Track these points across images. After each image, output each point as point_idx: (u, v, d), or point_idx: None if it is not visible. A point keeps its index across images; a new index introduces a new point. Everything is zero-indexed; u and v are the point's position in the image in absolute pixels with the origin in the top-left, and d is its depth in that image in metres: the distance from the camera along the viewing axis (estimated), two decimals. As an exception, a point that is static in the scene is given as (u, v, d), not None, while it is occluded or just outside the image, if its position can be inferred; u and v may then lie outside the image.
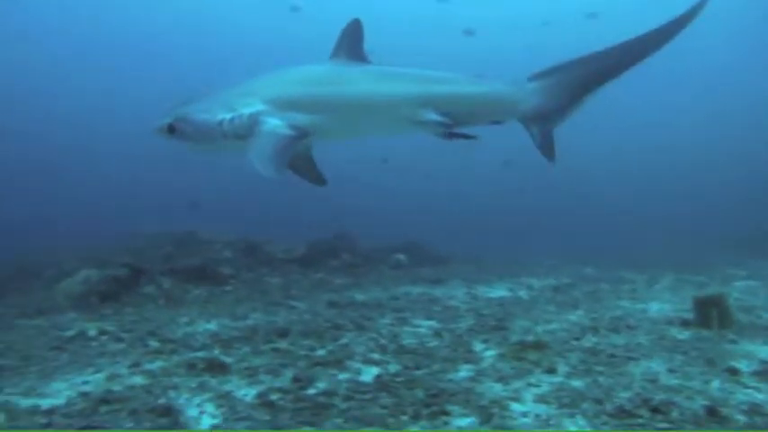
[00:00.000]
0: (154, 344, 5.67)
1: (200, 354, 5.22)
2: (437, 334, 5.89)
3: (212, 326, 6.48)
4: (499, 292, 8.69)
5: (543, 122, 6.37)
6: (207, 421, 3.71)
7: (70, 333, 6.23)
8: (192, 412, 3.83)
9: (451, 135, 6.42)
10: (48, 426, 3.65)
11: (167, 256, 11.18)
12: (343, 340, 5.65)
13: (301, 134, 6.05)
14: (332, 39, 6.57)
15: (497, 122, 6.50)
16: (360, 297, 8.11)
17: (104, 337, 6.05)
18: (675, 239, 17.96)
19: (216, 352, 5.27)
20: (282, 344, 5.49)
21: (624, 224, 23.21)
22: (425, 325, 6.35)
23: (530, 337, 5.54)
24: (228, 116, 6.04)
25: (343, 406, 3.87)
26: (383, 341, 5.59)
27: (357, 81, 6.42)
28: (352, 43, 6.59)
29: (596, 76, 6.10)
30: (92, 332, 6.18)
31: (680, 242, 17.35)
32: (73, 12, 40.72)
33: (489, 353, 5.14)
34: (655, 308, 7.16)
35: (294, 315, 6.95)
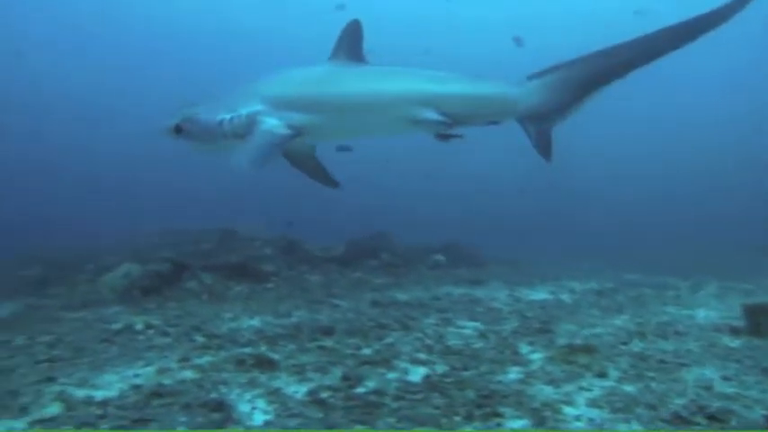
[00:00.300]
0: (200, 339, 5.72)
1: (246, 350, 5.25)
2: (482, 335, 5.85)
3: (256, 322, 6.51)
4: (541, 294, 8.62)
5: (540, 122, 6.32)
6: (259, 417, 3.72)
7: (117, 326, 6.29)
8: (244, 408, 3.84)
9: (442, 135, 6.50)
10: (102, 417, 3.68)
11: (208, 253, 11.27)
12: (389, 340, 5.64)
13: (296, 133, 6.26)
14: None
15: (494, 123, 6.48)
16: (402, 297, 8.10)
17: (151, 331, 6.10)
18: (713, 245, 17.68)
19: (262, 348, 5.30)
20: (328, 342, 5.50)
21: (654, 228, 22.98)
22: (470, 326, 6.32)
23: (577, 341, 5.49)
24: (228, 116, 6.35)
25: (395, 405, 3.85)
26: (429, 341, 5.57)
27: (354, 80, 6.54)
28: (351, 44, 6.70)
29: (598, 76, 5.97)
30: (138, 326, 6.24)
31: (717, 248, 17.07)
32: (77, 12, 41.10)
33: (536, 355, 5.09)
34: (702, 314, 7.05)
35: (338, 314, 6.95)
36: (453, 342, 5.57)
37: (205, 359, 4.95)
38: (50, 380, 4.49)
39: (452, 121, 6.27)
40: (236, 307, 7.48)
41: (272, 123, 6.25)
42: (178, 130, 6.52)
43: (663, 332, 5.95)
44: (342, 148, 10.76)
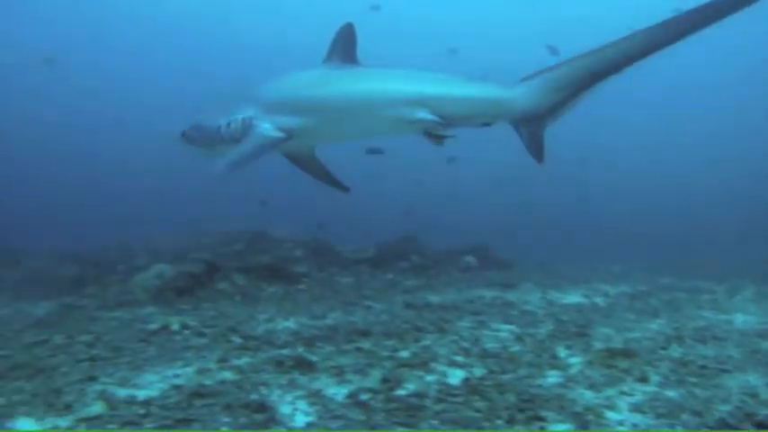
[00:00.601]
0: (237, 340, 5.74)
1: (284, 351, 5.27)
2: (518, 338, 5.82)
3: (291, 324, 6.53)
4: (574, 297, 8.56)
5: (533, 124, 6.32)
6: (301, 419, 3.72)
7: (154, 326, 6.34)
8: (286, 409, 3.85)
9: (434, 136, 6.50)
10: (146, 416, 3.71)
11: (239, 254, 11.32)
12: (425, 342, 5.62)
13: (288, 136, 6.47)
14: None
15: (487, 125, 6.47)
16: (434, 299, 8.09)
17: (187, 332, 6.15)
18: (745, 249, 17.46)
19: (300, 350, 5.31)
20: (365, 344, 5.49)
21: (684, 231, 22.77)
22: (505, 329, 6.29)
23: (615, 345, 5.44)
24: (225, 122, 6.69)
25: (436, 408, 3.84)
26: (465, 344, 5.55)
27: (345, 82, 6.61)
28: (345, 47, 6.80)
29: (586, 77, 5.94)
30: (175, 326, 6.28)
31: (750, 252, 16.85)
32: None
33: (575, 359, 5.05)
34: (740, 319, 6.96)
35: (372, 316, 6.96)
36: (490, 345, 5.55)
37: (244, 360, 4.97)
38: (92, 379, 4.53)
39: (446, 121, 6.30)
40: (269, 308, 7.52)
41: (264, 127, 6.48)
42: (185, 136, 6.97)
43: (701, 337, 5.88)
44: (372, 151, 10.76)
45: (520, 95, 6.23)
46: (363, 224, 17.94)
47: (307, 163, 7.45)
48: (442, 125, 6.32)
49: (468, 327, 6.36)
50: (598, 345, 5.49)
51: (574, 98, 6.08)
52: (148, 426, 3.58)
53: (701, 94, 42.49)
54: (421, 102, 6.29)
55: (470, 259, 12.28)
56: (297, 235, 13.07)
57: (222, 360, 4.95)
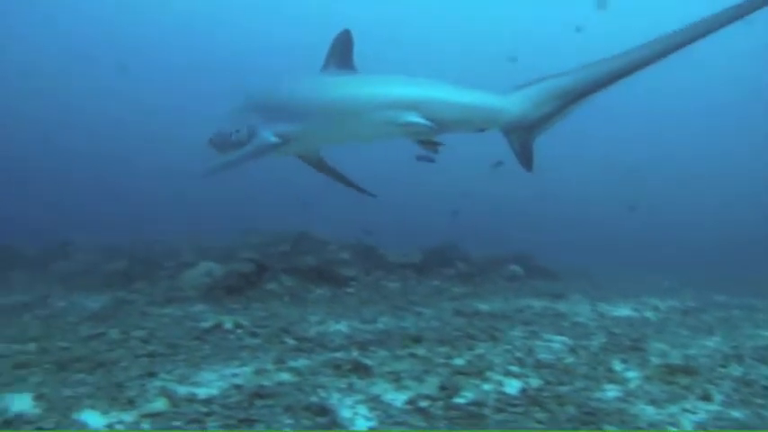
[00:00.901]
0: (290, 341, 5.77)
1: (338, 354, 5.28)
2: (572, 350, 5.75)
3: (342, 327, 6.54)
4: (624, 310, 8.45)
5: (523, 133, 6.45)
6: (362, 423, 3.72)
7: (207, 325, 6.39)
8: (346, 413, 3.85)
9: (424, 142, 6.84)
10: (209, 415, 3.74)
11: (285, 255, 11.36)
12: (479, 350, 5.59)
13: (284, 141, 6.98)
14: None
15: (481, 131, 6.64)
16: (483, 307, 8.04)
17: (240, 331, 6.19)
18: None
19: (354, 354, 5.31)
20: (419, 350, 5.47)
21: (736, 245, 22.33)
22: (557, 340, 6.22)
23: (673, 361, 5.35)
24: (235, 129, 7.32)
25: (498, 417, 3.82)
26: (519, 354, 5.50)
27: (340, 88, 6.99)
28: (342, 54, 7.21)
29: (580, 89, 6.04)
30: (228, 325, 6.33)
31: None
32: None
33: (632, 374, 4.98)
34: (801, 340, 6.81)
35: (422, 321, 6.94)
36: (543, 356, 5.49)
37: (301, 362, 4.98)
38: (151, 375, 4.58)
39: (437, 126, 6.48)
40: (319, 310, 7.54)
41: (264, 135, 7.01)
42: (211, 143, 7.63)
43: (762, 357, 5.73)
44: (422, 158, 10.80)
45: (512, 104, 6.44)
46: (406, 228, 17.93)
47: (315, 165, 7.98)
48: (434, 130, 6.52)
49: (521, 336, 6.31)
50: (655, 360, 5.40)
51: (564, 110, 6.22)
52: (212, 425, 3.60)
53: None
54: (412, 105, 6.48)
55: (516, 268, 12.19)
56: (340, 237, 13.09)
57: (279, 361, 4.97)
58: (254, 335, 6.04)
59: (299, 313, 7.25)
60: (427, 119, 6.40)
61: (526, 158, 6.53)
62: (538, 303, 8.65)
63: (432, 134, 6.64)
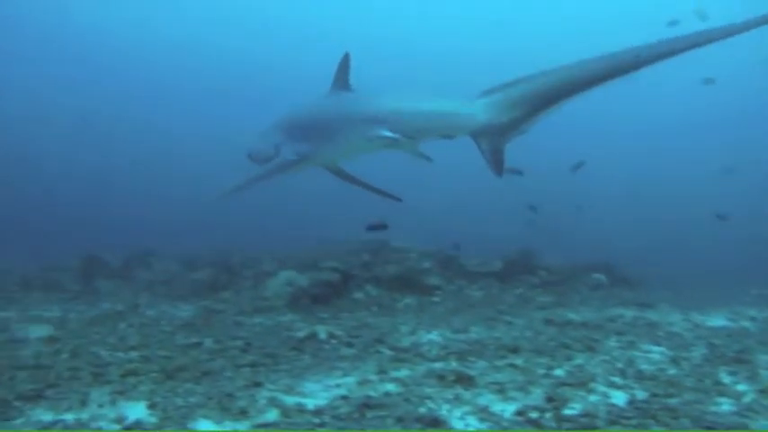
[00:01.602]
0: (387, 351, 5.79)
1: (438, 365, 5.27)
2: (673, 361, 5.61)
3: (435, 336, 6.54)
4: (718, 320, 8.21)
5: (493, 138, 6.68)
6: (473, 435, 3.71)
7: (301, 334, 6.48)
8: (457, 424, 3.84)
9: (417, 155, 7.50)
10: (321, 425, 3.77)
11: (367, 264, 11.41)
12: (577, 361, 5.51)
13: (301, 159, 7.73)
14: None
15: (449, 137, 7.03)
16: (574, 317, 7.92)
17: (334, 341, 6.25)
18: None
19: (454, 364, 5.29)
20: (517, 360, 5.43)
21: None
22: (656, 351, 6.09)
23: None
24: (264, 146, 7.91)
25: (613, 429, 3.75)
26: (619, 365, 5.40)
27: (331, 109, 7.83)
28: (341, 76, 7.84)
29: (549, 94, 6.09)
30: (322, 335, 6.40)
31: None
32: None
33: (743, 387, 4.83)
34: None
35: (515, 331, 6.88)
36: (644, 367, 5.38)
37: (403, 372, 4.99)
38: (257, 385, 4.66)
39: (406, 136, 7.03)
40: (409, 320, 7.55)
41: (286, 153, 7.77)
42: (250, 156, 8.06)
43: None
44: (512, 171, 10.89)
45: (479, 110, 6.60)
46: (481, 235, 17.79)
47: (337, 174, 8.54)
48: (402, 141, 7.09)
49: (617, 347, 6.19)
50: (766, 373, 5.23)
51: (534, 114, 6.40)
52: (327, 435, 3.63)
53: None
54: (381, 120, 7.10)
55: (600, 277, 11.99)
56: (419, 245, 13.06)
57: (381, 371, 5.00)
58: (349, 345, 6.09)
59: (389, 323, 7.28)
60: (396, 130, 6.93)
61: (496, 163, 6.79)
62: (628, 313, 8.48)
63: (405, 145, 7.32)
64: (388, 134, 6.95)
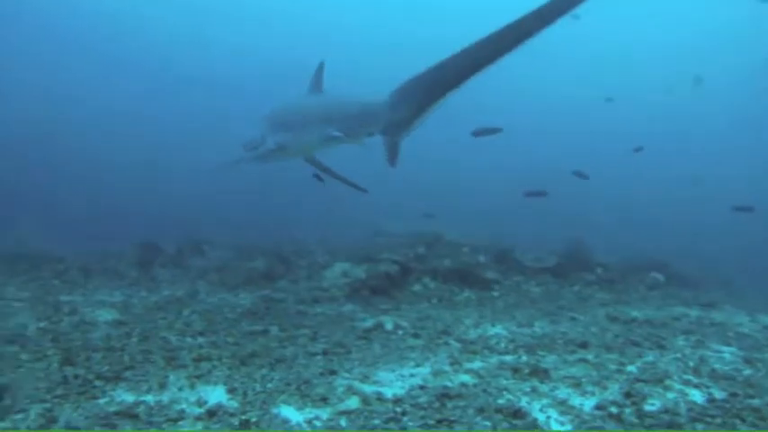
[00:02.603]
0: (455, 343, 5.80)
1: (507, 358, 5.27)
2: (747, 362, 5.54)
3: (500, 330, 6.53)
4: (786, 322, 8.07)
5: (393, 134, 7.07)
6: (556, 427, 3.71)
7: (367, 324, 6.53)
8: (539, 417, 3.85)
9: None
10: (404, 414, 3.81)
11: (422, 257, 11.41)
12: (648, 358, 5.47)
13: (280, 148, 8.33)
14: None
15: (371, 135, 7.44)
16: (636, 314, 7.84)
17: (401, 332, 6.28)
18: None
19: (524, 358, 5.29)
20: (588, 356, 5.41)
21: None
22: (726, 351, 6.01)
23: None
24: (253, 137, 8.64)
25: (698, 427, 3.72)
26: (691, 363, 5.35)
27: (302, 108, 8.72)
28: (316, 78, 8.66)
29: (433, 88, 6.18)
30: (388, 326, 6.44)
31: None
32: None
33: (826, 389, 4.76)
34: None
35: (579, 327, 6.84)
36: (718, 366, 5.32)
37: (476, 364, 5.01)
38: (332, 373, 4.72)
39: (347, 135, 7.60)
40: (470, 313, 7.55)
41: (268, 143, 8.41)
42: (245, 147, 8.71)
43: None
44: (579, 175, 11.12)
45: (385, 107, 6.95)
46: (533, 230, 17.67)
47: (311, 163, 9.16)
48: (344, 140, 7.68)
49: (687, 345, 6.12)
50: None
51: (424, 109, 6.50)
52: (410, 425, 3.66)
53: None
54: (328, 119, 7.81)
55: (658, 276, 11.81)
56: (472, 239, 13.00)
57: (455, 363, 5.02)
58: (416, 336, 6.12)
59: (451, 315, 7.29)
60: (340, 130, 7.58)
61: (392, 158, 7.21)
62: (692, 312, 8.36)
63: (351, 142, 7.82)
64: (335, 134, 7.58)
